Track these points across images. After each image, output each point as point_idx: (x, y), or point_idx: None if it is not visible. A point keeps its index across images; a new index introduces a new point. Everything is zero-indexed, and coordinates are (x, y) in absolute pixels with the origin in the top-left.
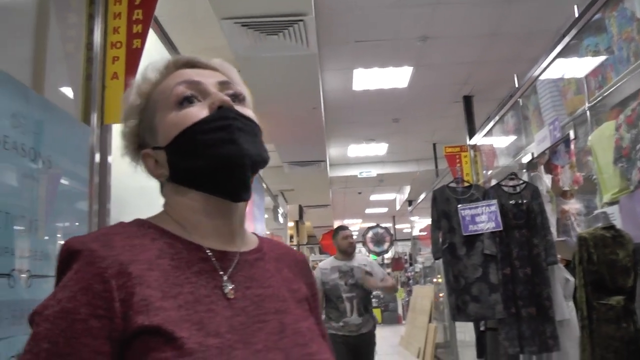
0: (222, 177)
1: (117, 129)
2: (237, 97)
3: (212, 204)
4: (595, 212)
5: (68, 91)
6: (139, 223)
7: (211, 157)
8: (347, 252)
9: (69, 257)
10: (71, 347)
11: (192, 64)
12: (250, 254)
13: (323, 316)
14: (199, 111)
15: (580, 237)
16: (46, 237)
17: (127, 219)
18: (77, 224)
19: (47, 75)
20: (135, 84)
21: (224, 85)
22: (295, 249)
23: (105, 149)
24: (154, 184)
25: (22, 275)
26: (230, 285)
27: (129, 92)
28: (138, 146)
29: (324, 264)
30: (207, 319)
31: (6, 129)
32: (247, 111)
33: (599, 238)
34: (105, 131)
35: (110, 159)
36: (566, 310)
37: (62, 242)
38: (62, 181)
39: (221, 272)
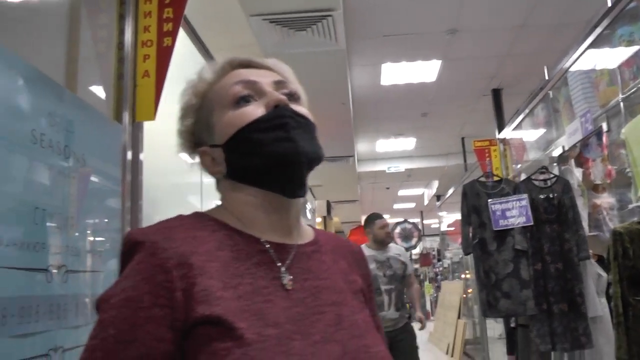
0: (278, 175)
1: (148, 127)
2: (293, 96)
3: (269, 200)
4: (631, 206)
5: (100, 90)
6: (198, 215)
7: (268, 155)
8: (385, 242)
9: (131, 248)
10: (135, 334)
11: (247, 64)
12: (307, 246)
13: None
14: (255, 110)
15: (615, 231)
16: (79, 234)
17: (159, 215)
18: (109, 220)
19: (79, 74)
20: (191, 84)
21: (279, 84)
22: (350, 240)
23: (137, 147)
24: (183, 181)
25: (58, 271)
26: (289, 277)
27: (184, 91)
28: (194, 144)
29: None
30: (266, 309)
31: (42, 127)
32: (303, 109)
33: (635, 233)
34: (136, 129)
35: (141, 156)
36: (599, 307)
37: (125, 234)
38: (95, 179)
39: (279, 264)
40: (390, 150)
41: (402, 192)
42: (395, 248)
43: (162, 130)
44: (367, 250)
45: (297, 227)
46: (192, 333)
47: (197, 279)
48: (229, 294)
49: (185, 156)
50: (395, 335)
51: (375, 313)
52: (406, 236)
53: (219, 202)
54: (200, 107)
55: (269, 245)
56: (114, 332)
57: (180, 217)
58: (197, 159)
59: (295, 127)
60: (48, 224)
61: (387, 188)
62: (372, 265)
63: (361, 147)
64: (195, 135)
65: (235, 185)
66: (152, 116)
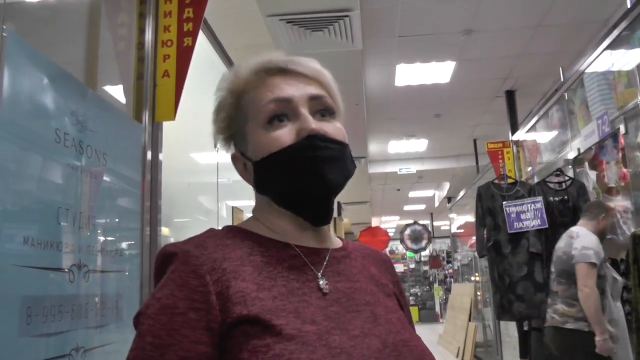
0: (304, 205)
1: (168, 127)
2: (328, 111)
3: (299, 220)
4: None
5: (120, 89)
6: (227, 228)
7: (294, 186)
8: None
9: (165, 261)
10: (172, 338)
11: (283, 70)
12: (337, 251)
13: None
14: (287, 135)
15: (634, 235)
16: (100, 233)
17: (178, 215)
18: (128, 220)
19: (99, 74)
20: (227, 80)
21: (315, 100)
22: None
23: (156, 147)
24: (202, 181)
25: (81, 270)
26: (324, 280)
27: (219, 84)
28: (229, 136)
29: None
30: (302, 308)
31: (66, 126)
32: (337, 130)
33: None
34: (156, 129)
35: (161, 156)
36: (614, 311)
37: (159, 250)
38: (116, 178)
39: (312, 268)
40: (402, 151)
41: (412, 194)
42: None
43: (181, 130)
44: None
45: (327, 236)
46: (230, 334)
47: (231, 282)
48: (264, 295)
49: (202, 156)
50: None
51: (411, 319)
52: (416, 238)
53: (248, 210)
54: (235, 108)
55: (300, 251)
56: (151, 340)
57: (211, 230)
58: (229, 153)
59: (325, 160)
60: (70, 223)
61: (398, 189)
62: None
63: (373, 148)
64: (230, 130)
65: (267, 201)
66: (172, 116)
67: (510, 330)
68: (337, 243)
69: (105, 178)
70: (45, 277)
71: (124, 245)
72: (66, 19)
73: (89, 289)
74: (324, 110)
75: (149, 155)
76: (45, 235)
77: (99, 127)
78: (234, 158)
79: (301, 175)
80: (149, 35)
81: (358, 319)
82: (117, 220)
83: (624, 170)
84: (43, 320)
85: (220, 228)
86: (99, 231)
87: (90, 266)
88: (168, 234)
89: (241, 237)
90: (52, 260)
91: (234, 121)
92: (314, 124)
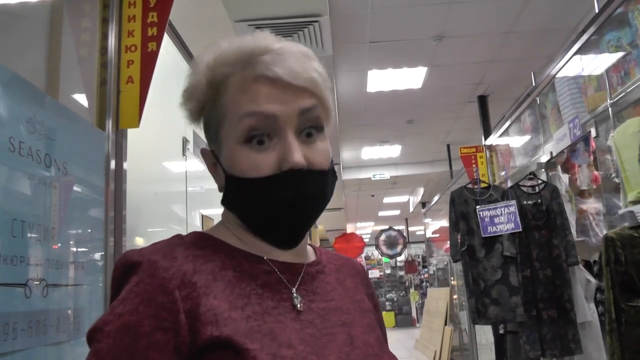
0: (274, 235)
1: (132, 134)
2: (316, 128)
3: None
4: (620, 211)
5: (82, 96)
6: (197, 235)
7: (268, 217)
8: None
9: (127, 270)
10: None
11: (273, 80)
12: (311, 266)
13: None
14: (267, 163)
15: (607, 237)
16: (61, 245)
17: (143, 225)
18: (92, 231)
19: (61, 80)
20: (206, 64)
21: (304, 115)
22: (353, 259)
23: (120, 155)
24: (168, 190)
25: (38, 285)
26: (299, 298)
27: (194, 66)
28: (198, 118)
29: None
30: (278, 330)
31: (22, 135)
32: (322, 155)
33: (627, 238)
34: (120, 136)
35: (125, 165)
36: (588, 312)
37: (119, 256)
38: (77, 188)
39: (288, 285)
40: (375, 157)
41: (387, 200)
42: None
43: (147, 138)
44: None
45: (303, 249)
46: (200, 357)
47: (202, 299)
48: (237, 315)
49: (170, 165)
50: None
51: (384, 333)
52: (391, 243)
53: (219, 218)
54: (211, 101)
55: (274, 266)
56: None
57: (178, 237)
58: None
59: (305, 198)
60: (27, 235)
61: (372, 195)
62: None
63: (346, 154)
64: (203, 120)
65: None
66: (136, 123)
67: (486, 334)
68: (312, 255)
69: (66, 188)
70: None
71: (86, 257)
72: (26, 25)
73: (48, 304)
74: (312, 127)
75: (112, 164)
76: None
77: (58, 135)
78: (204, 154)
79: (276, 210)
80: (112, 41)
81: (334, 342)
82: (78, 231)
83: (596, 173)
84: None
85: (187, 234)
86: (59, 244)
87: (49, 280)
88: (143, 243)
89: (212, 247)
90: (6, 276)
91: (209, 113)
92: (298, 155)
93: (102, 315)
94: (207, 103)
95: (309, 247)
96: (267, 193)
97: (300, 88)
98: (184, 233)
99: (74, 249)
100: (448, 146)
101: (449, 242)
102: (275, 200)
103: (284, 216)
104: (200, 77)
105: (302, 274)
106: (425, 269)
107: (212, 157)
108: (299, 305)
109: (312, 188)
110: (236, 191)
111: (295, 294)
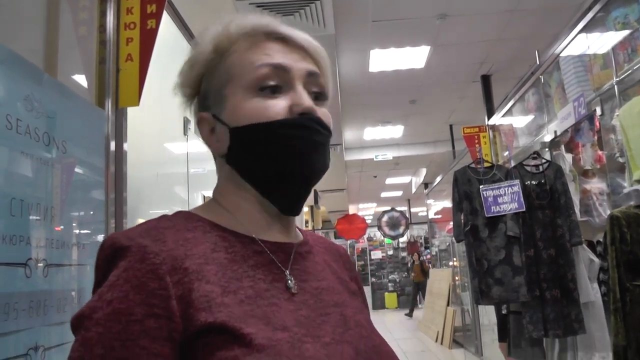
0: (282, 189)
1: (132, 114)
2: (321, 95)
3: (267, 205)
4: (625, 190)
5: (81, 75)
6: (185, 216)
7: (279, 165)
8: None
9: (114, 254)
10: (128, 350)
11: (283, 39)
12: (301, 246)
13: None
14: (279, 108)
15: (612, 215)
16: (61, 226)
17: (144, 206)
18: (93, 212)
19: (60, 59)
20: (213, 34)
21: (312, 77)
22: (335, 242)
23: (120, 135)
24: (169, 172)
25: (39, 265)
26: (292, 280)
27: (200, 36)
28: (195, 94)
29: None
30: (272, 313)
31: (19, 112)
32: (326, 116)
33: (633, 217)
34: (120, 115)
35: (125, 146)
36: (591, 292)
37: (104, 238)
38: (77, 168)
39: (280, 265)
40: (378, 138)
41: (389, 180)
42: None
43: (147, 118)
44: None
45: (293, 227)
46: (193, 345)
47: (194, 284)
48: (230, 299)
49: (171, 145)
50: None
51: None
52: (394, 224)
53: (212, 193)
54: (215, 66)
55: (265, 246)
56: (101, 352)
57: (166, 217)
58: (193, 118)
59: (316, 144)
60: (26, 215)
61: (375, 176)
62: None
63: (349, 135)
64: (200, 90)
65: (233, 174)
66: (136, 102)
67: (489, 314)
68: (300, 236)
69: (66, 168)
70: None
71: (87, 238)
72: (24, 3)
73: (49, 284)
74: (317, 92)
75: (112, 145)
76: None
77: (57, 114)
78: (201, 120)
79: (288, 155)
80: (110, 18)
81: (328, 323)
82: (80, 212)
83: (600, 152)
84: None
85: (173, 214)
86: (59, 224)
87: (50, 260)
88: None
89: (202, 229)
90: (6, 255)
91: (210, 81)
92: (309, 101)
93: (88, 302)
94: (208, 70)
95: (296, 229)
96: (280, 135)
97: (309, 54)
98: None
99: (75, 230)
100: (451, 126)
101: (452, 223)
102: (288, 144)
103: (295, 163)
104: (206, 45)
105: (293, 253)
106: (428, 250)
107: (212, 121)
108: (293, 287)
109: (321, 137)
110: (245, 141)
111: (288, 276)
